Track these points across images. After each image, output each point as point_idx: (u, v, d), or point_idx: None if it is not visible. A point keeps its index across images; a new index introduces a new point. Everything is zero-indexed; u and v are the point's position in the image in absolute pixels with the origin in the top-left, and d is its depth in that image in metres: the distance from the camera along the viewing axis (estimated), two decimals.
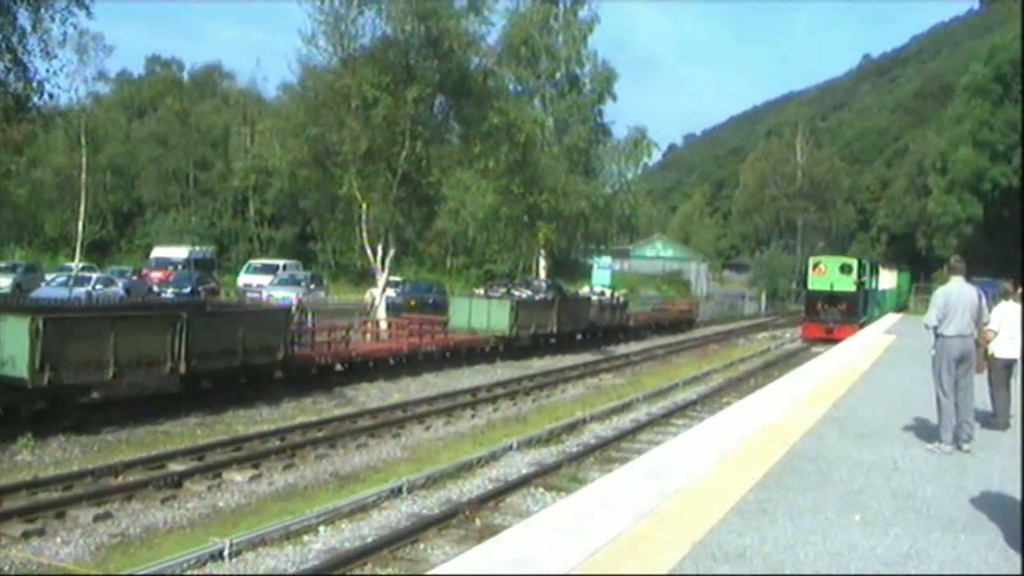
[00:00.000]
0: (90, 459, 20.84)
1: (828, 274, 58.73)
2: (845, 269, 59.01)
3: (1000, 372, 17.54)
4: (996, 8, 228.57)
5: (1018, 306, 17.57)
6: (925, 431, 16.43)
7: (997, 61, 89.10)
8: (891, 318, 62.44)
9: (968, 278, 16.09)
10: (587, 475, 20.30)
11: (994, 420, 17.61)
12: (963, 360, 15.33)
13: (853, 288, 57.97)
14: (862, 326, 55.71)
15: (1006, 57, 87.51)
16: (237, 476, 20.22)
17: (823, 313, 57.70)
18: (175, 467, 20.20)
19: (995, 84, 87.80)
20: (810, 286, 60.49)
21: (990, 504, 11.49)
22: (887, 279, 78.57)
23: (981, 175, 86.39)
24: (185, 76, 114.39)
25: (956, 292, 15.36)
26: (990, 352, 17.53)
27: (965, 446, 15.09)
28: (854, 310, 57.80)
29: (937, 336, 15.36)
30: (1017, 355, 17.03)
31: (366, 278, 54.33)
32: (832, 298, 57.61)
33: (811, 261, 62.92)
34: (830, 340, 50.35)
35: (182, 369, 26.93)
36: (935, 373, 15.38)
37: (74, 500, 17.46)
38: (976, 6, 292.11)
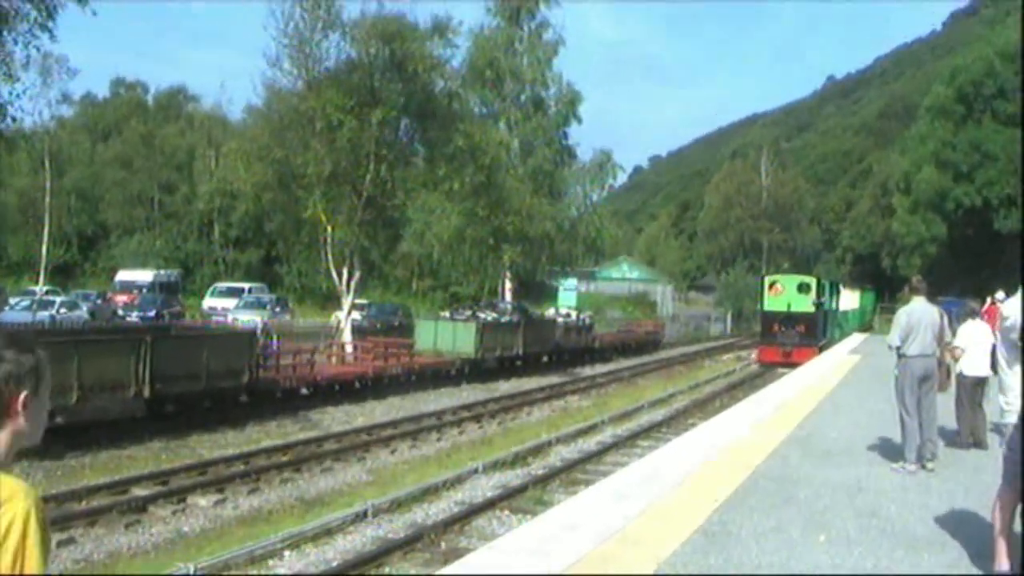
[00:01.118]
0: (53, 484, 20.69)
1: (785, 294, 55.45)
2: (803, 288, 55.68)
3: (968, 391, 17.59)
4: (958, 29, 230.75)
5: (985, 325, 17.65)
6: (889, 450, 16.48)
7: (959, 82, 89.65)
8: (856, 338, 62.16)
9: (931, 298, 16.18)
10: (553, 497, 20.27)
11: (959, 438, 17.68)
12: (926, 379, 15.37)
13: (812, 309, 54.50)
14: (822, 349, 51.93)
15: (968, 78, 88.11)
16: (202, 500, 20.13)
17: (780, 335, 54.25)
18: (139, 492, 20.11)
19: (957, 105, 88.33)
20: (766, 307, 56.62)
21: (954, 522, 11.52)
22: (849, 299, 76.48)
23: (944, 195, 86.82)
24: (150, 99, 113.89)
25: (919, 312, 15.40)
26: (957, 371, 17.63)
27: (929, 465, 15.14)
28: (813, 332, 54.08)
29: (900, 356, 15.41)
30: (985, 373, 17.08)
31: (332, 301, 54.22)
32: (789, 319, 54.09)
33: (767, 280, 59.04)
34: (788, 364, 47.26)
35: (146, 393, 26.89)
36: (898, 393, 15.43)
37: None
38: (938, 27, 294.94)
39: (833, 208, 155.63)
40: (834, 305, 63.78)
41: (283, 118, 42.18)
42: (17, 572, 2.79)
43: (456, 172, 45.71)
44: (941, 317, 15.78)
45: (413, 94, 43.00)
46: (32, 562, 2.83)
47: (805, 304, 54.52)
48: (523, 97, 64.31)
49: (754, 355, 60.67)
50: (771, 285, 57.05)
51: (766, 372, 50.63)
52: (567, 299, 78.34)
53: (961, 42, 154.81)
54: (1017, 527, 8.94)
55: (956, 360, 17.42)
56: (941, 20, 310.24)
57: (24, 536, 2.83)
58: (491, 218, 52.98)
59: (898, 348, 15.38)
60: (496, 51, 62.38)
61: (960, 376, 17.69)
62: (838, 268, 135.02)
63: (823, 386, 29.29)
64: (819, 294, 55.87)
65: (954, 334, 17.46)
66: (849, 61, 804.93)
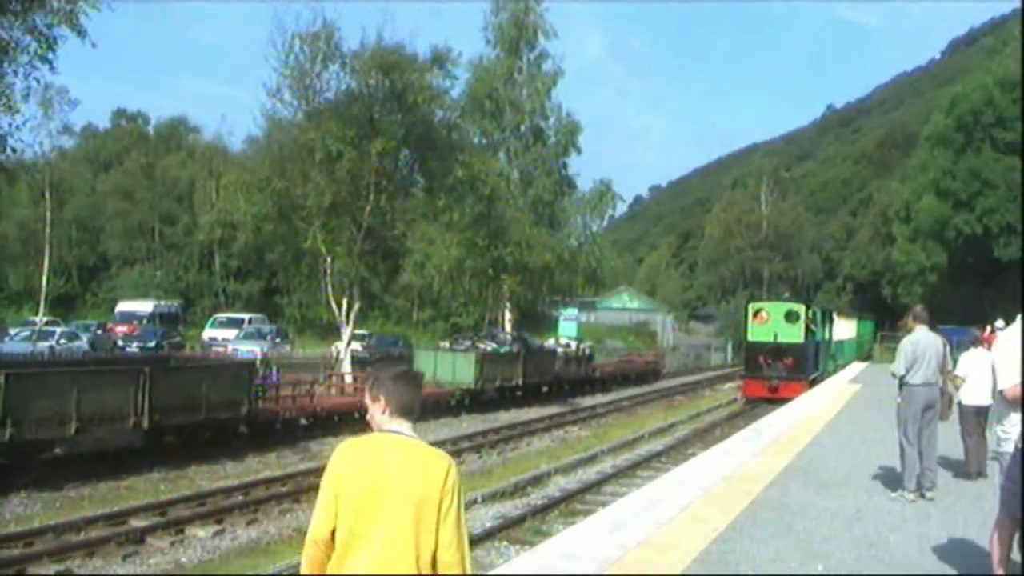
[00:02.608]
0: (52, 515, 20.68)
1: (771, 323, 50.31)
2: (791, 317, 50.37)
3: (970, 420, 17.57)
4: (957, 58, 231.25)
5: (988, 353, 17.66)
6: (888, 479, 16.48)
7: (958, 111, 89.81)
8: (855, 367, 62.09)
9: (932, 327, 16.19)
10: (552, 528, 20.22)
11: (966, 468, 17.65)
12: (929, 408, 15.40)
13: (801, 339, 49.54)
14: (813, 383, 48.08)
15: (967, 107, 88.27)
16: (200, 532, 20.11)
17: (766, 368, 49.08)
18: (137, 523, 20.08)
19: (957, 134, 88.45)
20: (750, 337, 51.47)
21: (953, 552, 11.51)
22: (844, 328, 71.79)
23: (944, 223, 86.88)
24: (151, 129, 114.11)
25: (923, 341, 15.42)
26: (958, 399, 17.65)
27: (928, 494, 15.13)
28: (802, 365, 49.17)
29: (903, 385, 15.41)
30: (986, 402, 17.09)
31: (332, 332, 54.14)
32: (776, 351, 49.06)
33: (751, 308, 53.32)
34: (775, 400, 43.36)
35: (145, 424, 26.83)
36: (900, 421, 15.42)
37: (35, 557, 17.36)
38: (937, 56, 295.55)
39: (833, 237, 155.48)
40: (827, 335, 59.20)
41: (283, 149, 42.25)
42: None
43: (456, 203, 45.81)
44: (944, 346, 15.84)
45: (413, 125, 43.08)
46: None
47: (794, 334, 49.73)
48: (523, 128, 64.39)
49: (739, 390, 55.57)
50: (756, 313, 51.95)
51: (764, 402, 48.11)
52: (567, 329, 78.21)
53: (960, 71, 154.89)
54: (1016, 556, 8.93)
55: (957, 389, 17.46)
56: (940, 49, 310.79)
57: None
58: (491, 249, 52.99)
59: (902, 377, 15.39)
60: (495, 82, 62.52)
61: (960, 405, 17.70)
62: (839, 297, 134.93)
63: (823, 415, 29.28)
64: (810, 323, 51.12)
65: (955, 363, 17.49)
66: (849, 90, 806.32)
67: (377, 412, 5.09)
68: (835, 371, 58.61)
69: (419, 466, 4.89)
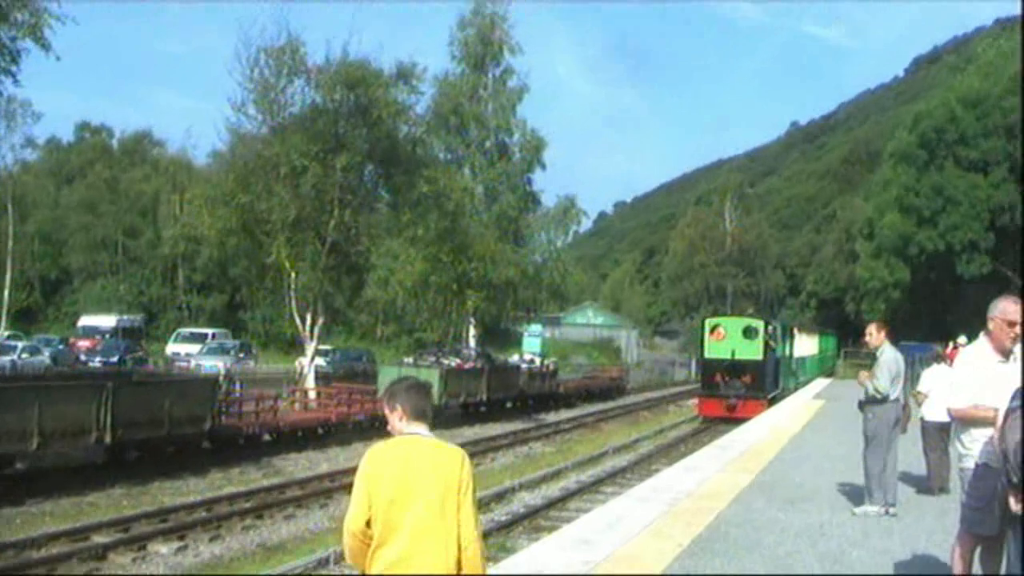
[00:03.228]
0: (13, 531, 20.55)
1: (728, 339, 48.80)
2: (750, 333, 48.88)
3: (933, 435, 17.66)
4: (920, 76, 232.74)
5: (950, 369, 17.78)
6: (852, 495, 16.54)
7: (922, 128, 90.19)
8: (820, 383, 62.13)
9: (895, 342, 16.36)
10: (516, 544, 20.17)
11: (929, 484, 17.73)
12: (897, 423, 15.58)
13: (760, 356, 48.04)
14: (772, 402, 46.48)
15: (930, 124, 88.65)
16: (162, 548, 20.02)
17: (723, 387, 47.43)
18: (99, 539, 19.96)
19: (920, 151, 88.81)
20: (707, 353, 50.07)
21: (916, 567, 11.57)
22: (806, 344, 68.89)
23: (908, 240, 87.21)
24: (115, 143, 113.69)
25: (899, 358, 15.69)
26: (920, 415, 17.77)
27: (892, 509, 15.19)
28: (761, 382, 47.52)
29: (880, 401, 15.48)
30: (949, 418, 17.18)
31: (295, 347, 54.07)
32: (734, 368, 47.50)
33: (707, 323, 52.08)
34: (732, 419, 41.83)
35: (108, 439, 26.70)
36: (870, 437, 15.48)
37: None
38: (901, 74, 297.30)
39: (797, 253, 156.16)
40: (787, 351, 56.90)
41: (248, 163, 42.16)
42: None
43: (420, 218, 45.74)
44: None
45: (378, 140, 43.05)
46: None
47: (752, 350, 48.14)
48: (488, 143, 64.42)
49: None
50: (712, 329, 50.33)
51: (722, 422, 46.49)
52: (531, 345, 78.23)
53: (924, 88, 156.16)
54: (977, 571, 8.96)
55: (920, 405, 17.58)
56: (904, 67, 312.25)
57: None
58: (455, 264, 52.96)
59: (885, 395, 15.51)
60: (461, 97, 62.55)
61: (923, 421, 17.81)
62: (802, 313, 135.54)
63: (787, 430, 29.39)
64: (769, 339, 49.31)
65: (918, 378, 17.62)
66: (813, 107, 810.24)
67: (396, 420, 6.09)
68: (796, 388, 56.73)
69: (439, 460, 5.93)
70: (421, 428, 6.05)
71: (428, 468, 5.88)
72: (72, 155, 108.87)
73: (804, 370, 65.67)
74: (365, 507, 5.87)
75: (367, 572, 5.91)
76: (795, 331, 62.65)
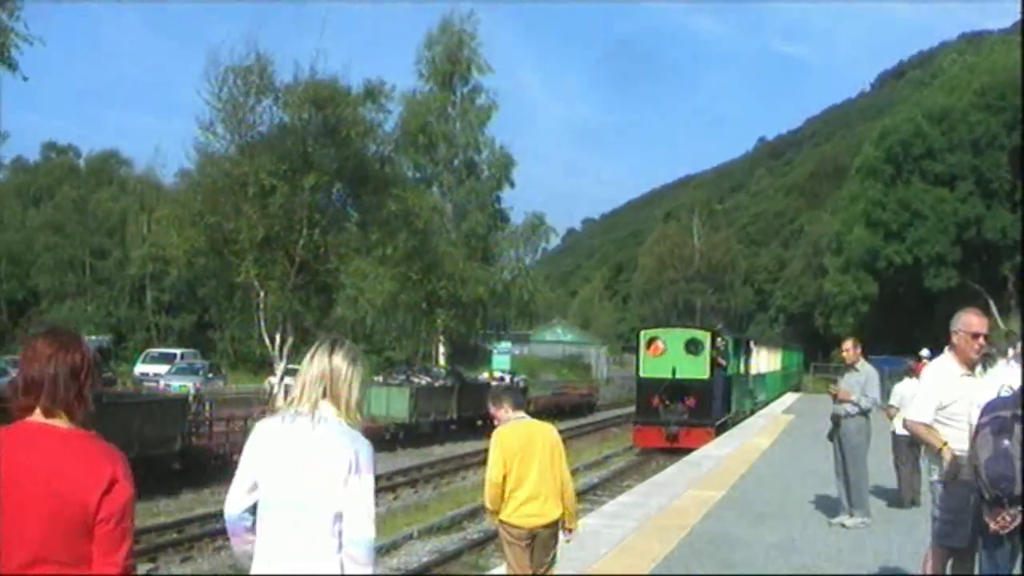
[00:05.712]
0: None
1: (669, 354, 40.73)
2: (694, 347, 40.76)
3: (904, 449, 17.74)
4: (886, 91, 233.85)
5: (916, 383, 17.91)
6: (823, 509, 16.65)
7: (888, 143, 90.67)
8: (788, 398, 61.96)
9: (865, 357, 16.53)
10: (488, 563, 20.17)
11: (900, 497, 17.82)
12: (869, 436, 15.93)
13: (706, 374, 40.08)
14: (721, 429, 38.79)
15: (896, 139, 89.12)
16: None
17: (663, 412, 39.54)
18: None
19: (887, 165, 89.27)
20: (643, 372, 42.02)
21: None
22: (767, 360, 61.41)
23: (875, 254, 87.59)
24: (82, 163, 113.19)
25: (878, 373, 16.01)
26: (892, 429, 17.89)
27: (868, 519, 15.40)
28: (707, 407, 39.61)
29: (864, 413, 15.68)
30: None
31: (265, 366, 53.97)
32: (675, 389, 39.66)
33: (643, 336, 43.44)
34: (674, 450, 35.64)
35: None
36: (855, 448, 15.65)
37: None
38: (867, 88, 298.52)
39: (766, 268, 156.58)
40: (742, 368, 48.37)
41: (216, 183, 42.05)
42: None
43: (389, 237, 45.73)
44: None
45: (346, 159, 43.06)
46: None
47: (697, 368, 40.22)
48: (456, 161, 64.54)
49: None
50: (649, 343, 42.06)
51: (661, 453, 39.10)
52: (501, 363, 78.16)
53: (889, 103, 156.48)
54: None
55: (891, 419, 17.69)
56: (869, 82, 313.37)
57: None
58: (424, 282, 52.99)
59: (868, 409, 15.81)
60: (429, 116, 62.60)
61: (894, 435, 17.89)
62: (771, 328, 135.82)
63: (758, 446, 29.44)
64: (718, 355, 41.50)
65: (888, 393, 17.75)
66: (780, 122, 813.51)
67: (502, 413, 9.28)
68: (754, 411, 48.99)
69: (543, 432, 9.23)
70: (521, 414, 9.29)
71: (537, 437, 9.06)
72: (39, 175, 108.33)
73: (764, 389, 58.11)
74: (501, 466, 8.83)
75: (501, 513, 8.99)
76: (752, 345, 54.21)
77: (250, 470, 5.15)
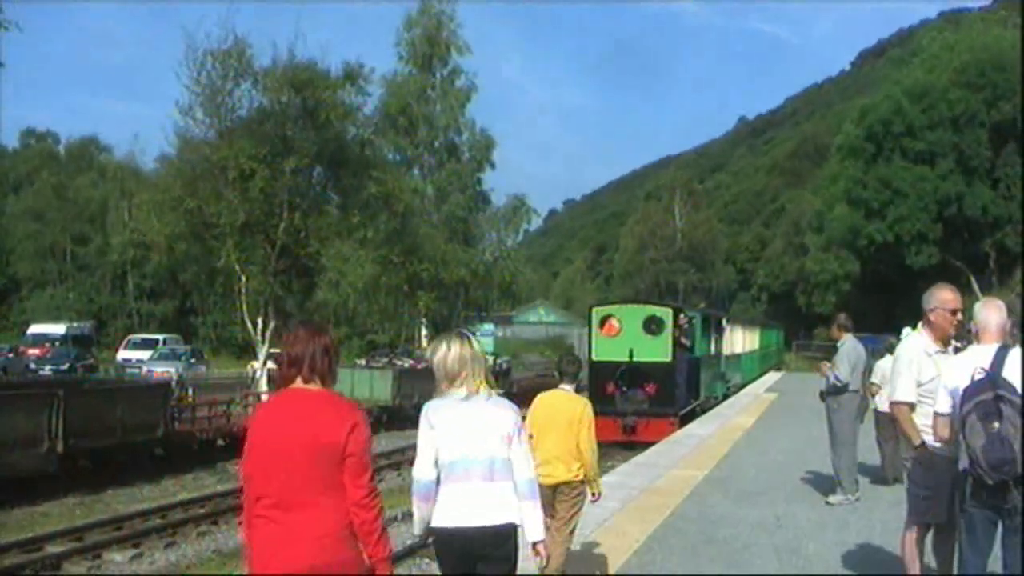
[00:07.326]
0: None
1: (625, 334, 35.19)
2: (653, 326, 35.16)
3: (886, 426, 17.73)
4: (866, 69, 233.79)
5: None
6: (807, 486, 16.70)
7: (868, 121, 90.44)
8: (771, 376, 61.75)
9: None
10: None
11: (883, 474, 17.83)
12: (858, 413, 15.94)
13: (668, 357, 34.77)
14: (686, 420, 33.85)
15: (876, 117, 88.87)
16: (117, 556, 19.86)
17: (619, 400, 34.14)
18: (53, 549, 19.77)
19: (867, 143, 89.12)
20: (595, 355, 35.83)
21: (870, 558, 11.60)
22: (743, 340, 56.17)
23: (857, 232, 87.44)
24: (61, 149, 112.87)
25: (860, 349, 16.09)
26: (874, 406, 17.88)
27: (856, 495, 15.47)
28: (670, 394, 34.44)
29: (843, 391, 15.68)
30: None
31: (247, 351, 53.87)
32: (633, 374, 34.39)
33: (596, 313, 36.98)
34: (631, 443, 31.27)
35: (59, 448, 26.46)
36: (841, 424, 15.71)
37: None
38: (847, 67, 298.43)
39: (747, 248, 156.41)
40: (712, 348, 43.66)
41: (195, 168, 41.98)
42: None
43: (370, 220, 45.68)
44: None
45: (326, 142, 43.01)
46: None
47: (657, 350, 34.91)
48: (436, 143, 64.53)
49: None
50: (603, 322, 36.27)
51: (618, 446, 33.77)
52: (483, 344, 78.18)
53: (869, 82, 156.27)
54: (928, 560, 9.01)
55: (873, 396, 17.68)
56: (849, 60, 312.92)
57: None
58: (406, 265, 53.01)
59: (845, 384, 15.70)
60: (409, 98, 62.60)
61: (877, 412, 17.88)
62: (754, 307, 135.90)
63: (741, 424, 29.45)
64: (682, 334, 36.33)
65: (871, 370, 17.73)
66: (760, 101, 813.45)
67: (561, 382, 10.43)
68: (726, 397, 44.51)
69: (571, 402, 10.17)
70: (569, 386, 10.37)
71: (560, 407, 10.09)
72: (18, 162, 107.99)
73: (738, 371, 53.00)
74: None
75: None
76: (724, 323, 49.18)
77: (432, 442, 6.50)
